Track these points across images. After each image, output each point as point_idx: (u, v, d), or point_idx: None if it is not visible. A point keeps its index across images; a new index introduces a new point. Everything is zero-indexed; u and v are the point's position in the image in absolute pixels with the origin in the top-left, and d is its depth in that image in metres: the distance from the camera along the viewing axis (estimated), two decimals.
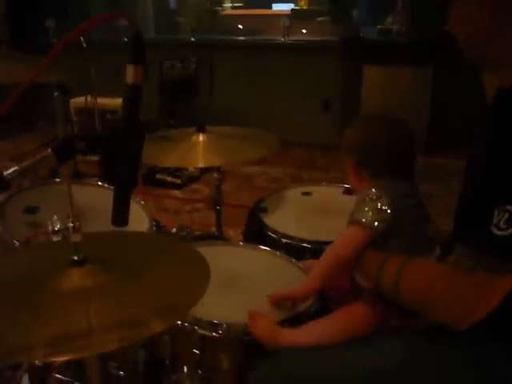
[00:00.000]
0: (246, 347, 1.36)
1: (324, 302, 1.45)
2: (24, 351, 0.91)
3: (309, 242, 1.73)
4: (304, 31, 5.30)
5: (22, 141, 4.10)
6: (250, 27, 5.62)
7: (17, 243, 1.51)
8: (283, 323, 1.34)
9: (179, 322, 1.34)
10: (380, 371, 1.17)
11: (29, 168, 0.89)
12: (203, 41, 5.57)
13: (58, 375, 1.48)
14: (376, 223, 1.30)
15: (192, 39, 5.66)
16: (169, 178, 4.24)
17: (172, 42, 5.64)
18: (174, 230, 2.14)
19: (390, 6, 4.88)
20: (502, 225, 0.99)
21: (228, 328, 1.32)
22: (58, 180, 1.91)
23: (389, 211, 1.30)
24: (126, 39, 5.31)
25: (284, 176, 4.56)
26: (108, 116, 4.46)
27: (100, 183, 1.96)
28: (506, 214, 0.99)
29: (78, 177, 3.11)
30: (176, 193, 4.20)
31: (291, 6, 5.62)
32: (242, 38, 5.51)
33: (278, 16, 5.37)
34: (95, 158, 1.00)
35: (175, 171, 4.24)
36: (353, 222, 1.34)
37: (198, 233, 2.31)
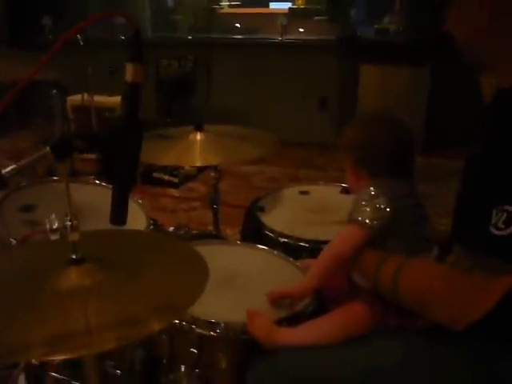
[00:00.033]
0: (244, 346, 1.36)
1: (321, 302, 1.45)
2: (22, 350, 0.90)
3: (306, 241, 1.73)
4: (301, 30, 5.30)
5: (19, 138, 4.10)
6: (247, 26, 5.61)
7: (14, 241, 1.51)
8: (281, 322, 1.34)
9: (177, 321, 1.34)
10: (378, 371, 1.17)
11: (27, 166, 0.89)
12: (200, 39, 5.57)
13: (54, 374, 1.48)
14: (374, 222, 1.30)
15: (189, 37, 5.65)
16: (166, 177, 4.24)
17: (169, 40, 5.63)
18: (172, 228, 2.14)
19: (388, 6, 4.88)
20: (500, 225, 0.99)
21: (226, 327, 1.32)
22: (55, 178, 1.90)
23: (387, 210, 1.30)
24: (123, 37, 5.31)
25: (281, 175, 4.56)
26: (105, 114, 4.45)
27: (97, 181, 1.96)
28: (505, 214, 0.99)
29: (74, 175, 3.10)
30: (173, 191, 4.20)
31: (288, 4, 5.61)
32: (239, 36, 5.51)
33: (276, 15, 5.37)
34: (92, 156, 0.99)
35: (172, 170, 4.24)
36: (351, 220, 1.34)
37: (195, 232, 2.31)
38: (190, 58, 5.17)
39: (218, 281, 1.50)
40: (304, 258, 1.67)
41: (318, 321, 1.34)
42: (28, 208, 1.70)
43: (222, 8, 6.05)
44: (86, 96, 4.02)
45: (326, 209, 1.99)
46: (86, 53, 3.70)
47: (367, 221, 1.30)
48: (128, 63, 0.95)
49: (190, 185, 4.30)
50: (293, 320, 1.36)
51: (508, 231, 0.98)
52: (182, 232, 2.16)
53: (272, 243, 1.75)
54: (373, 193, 1.33)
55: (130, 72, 0.96)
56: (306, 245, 1.73)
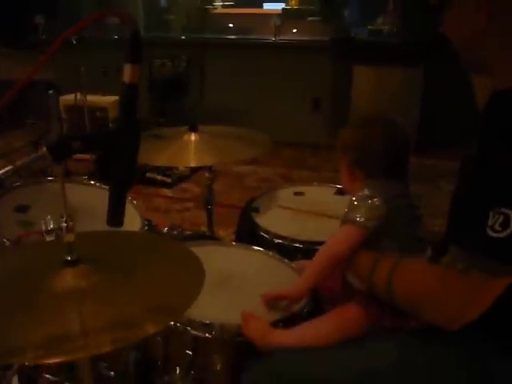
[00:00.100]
0: (239, 348, 1.35)
1: (317, 303, 1.45)
2: (16, 353, 0.90)
3: (301, 242, 1.73)
4: (295, 31, 5.30)
5: (12, 138, 4.08)
6: (240, 26, 5.61)
7: (7, 242, 1.50)
8: (276, 324, 1.34)
9: (172, 323, 1.33)
10: (373, 372, 1.16)
11: (23, 167, 0.88)
12: (194, 39, 5.56)
13: (48, 376, 1.47)
14: (370, 222, 1.30)
15: (182, 37, 5.64)
16: (159, 177, 4.23)
17: (162, 40, 5.61)
18: (166, 229, 2.13)
19: (381, 7, 4.89)
20: (497, 227, 0.99)
21: (221, 329, 1.32)
22: (49, 178, 1.89)
23: (382, 211, 1.31)
24: (117, 37, 5.29)
25: (274, 176, 4.56)
26: (97, 114, 4.44)
27: (92, 182, 1.95)
28: (502, 217, 0.99)
29: (67, 175, 3.09)
30: (166, 191, 4.19)
31: (282, 5, 5.61)
32: (232, 36, 5.50)
33: (269, 15, 5.36)
34: (85, 156, 0.99)
35: (165, 170, 4.23)
36: (346, 221, 1.34)
37: (189, 232, 2.30)
38: (184, 58, 5.16)
39: (213, 282, 1.50)
40: (299, 259, 1.67)
41: (313, 323, 1.34)
42: (22, 208, 1.69)
43: (216, 8, 6.04)
44: (78, 96, 4.00)
45: (320, 210, 1.98)
46: (79, 52, 3.69)
47: (363, 221, 1.30)
48: (126, 64, 0.95)
49: (184, 185, 4.29)
50: (288, 322, 1.36)
51: (505, 233, 0.98)
52: (176, 232, 2.15)
53: (267, 244, 1.75)
54: (368, 193, 1.34)
55: (127, 73, 0.96)
56: (301, 246, 1.73)
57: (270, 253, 1.68)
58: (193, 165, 2.24)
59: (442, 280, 1.13)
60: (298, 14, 5.49)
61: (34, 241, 1.44)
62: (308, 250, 1.67)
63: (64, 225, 1.01)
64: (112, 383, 1.49)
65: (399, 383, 1.16)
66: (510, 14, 1.10)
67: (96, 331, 0.94)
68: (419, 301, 1.16)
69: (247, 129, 2.20)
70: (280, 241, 1.76)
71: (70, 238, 1.03)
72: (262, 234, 1.81)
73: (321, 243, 1.42)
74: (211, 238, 2.21)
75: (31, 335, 0.91)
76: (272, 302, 1.41)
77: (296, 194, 2.15)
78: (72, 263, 1.05)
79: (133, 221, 1.73)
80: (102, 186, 1.88)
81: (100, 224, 1.11)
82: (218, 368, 1.37)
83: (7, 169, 0.87)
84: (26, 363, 1.30)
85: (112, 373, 1.48)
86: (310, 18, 5.36)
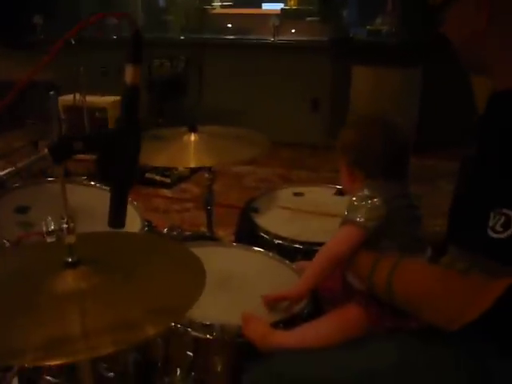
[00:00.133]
0: (240, 349, 1.35)
1: (317, 304, 1.45)
2: (16, 354, 0.89)
3: (300, 243, 1.73)
4: (293, 31, 5.29)
5: (12, 138, 4.07)
6: (239, 26, 5.60)
7: (7, 243, 1.49)
8: (277, 325, 1.34)
9: (172, 324, 1.33)
10: (374, 373, 1.16)
11: (24, 168, 0.88)
12: (192, 39, 5.55)
13: (48, 377, 1.46)
14: (370, 222, 1.30)
15: (181, 38, 5.63)
16: (158, 177, 4.22)
17: (161, 40, 5.60)
18: (166, 230, 2.13)
19: (380, 7, 4.88)
20: (498, 228, 1.00)
21: (221, 330, 1.32)
22: (49, 179, 1.89)
23: (382, 211, 1.31)
24: (115, 37, 5.29)
25: (273, 176, 4.56)
26: (97, 114, 4.44)
27: (91, 182, 1.94)
28: (503, 218, 0.99)
29: (67, 175, 3.08)
30: (165, 192, 4.18)
31: (281, 5, 5.60)
32: (231, 37, 5.50)
33: (268, 15, 5.36)
34: (84, 156, 0.98)
35: (164, 170, 4.23)
36: (347, 221, 1.34)
37: (188, 233, 2.30)
38: (182, 59, 5.16)
39: (214, 283, 1.50)
40: (299, 259, 1.66)
41: (314, 324, 1.34)
42: (22, 209, 1.69)
43: (214, 8, 6.03)
44: (77, 96, 4.00)
45: (320, 210, 1.98)
46: (79, 52, 3.68)
47: (363, 221, 1.30)
48: (128, 65, 0.95)
49: (183, 186, 4.28)
50: (289, 323, 1.36)
51: (506, 234, 0.98)
52: (176, 233, 2.15)
53: (266, 245, 1.75)
54: (368, 193, 1.34)
55: (129, 74, 0.95)
56: (301, 246, 1.72)
57: (271, 254, 1.68)
58: (192, 165, 2.24)
59: (441, 280, 1.13)
60: (297, 14, 5.48)
61: (34, 242, 1.44)
62: (308, 250, 1.67)
63: (65, 226, 1.01)
64: None
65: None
66: (510, 14, 1.10)
67: (97, 333, 0.93)
68: (419, 301, 1.16)
69: (246, 129, 2.20)
70: (280, 241, 1.75)
71: (70, 239, 1.03)
72: (262, 234, 1.80)
73: (321, 244, 1.42)
74: (211, 238, 2.21)
75: (31, 337, 0.91)
76: (272, 303, 1.41)
77: (295, 194, 2.15)
78: (72, 265, 1.05)
79: (133, 222, 1.72)
80: (102, 186, 1.88)
81: (100, 225, 1.11)
82: (219, 369, 1.37)
83: (8, 170, 0.87)
84: (26, 365, 1.30)
85: (112, 374, 1.48)
86: (308, 19, 5.36)
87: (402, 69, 4.63)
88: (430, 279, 1.16)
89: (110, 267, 1.11)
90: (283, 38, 5.20)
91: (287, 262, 1.63)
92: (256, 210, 1.96)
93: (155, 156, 1.94)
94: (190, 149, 2.01)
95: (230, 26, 5.64)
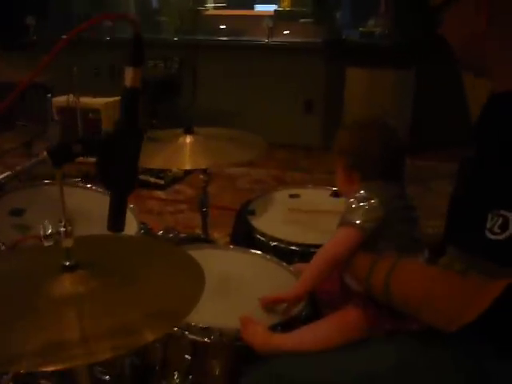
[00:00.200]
0: (238, 352, 1.35)
1: (315, 306, 1.45)
2: (14, 360, 0.88)
3: (297, 245, 1.72)
4: (287, 32, 5.29)
5: (2, 140, 4.04)
6: (232, 28, 5.59)
7: (3, 246, 1.48)
8: (275, 328, 1.34)
9: None
10: (373, 376, 1.16)
11: (23, 172, 0.87)
12: (186, 41, 5.54)
13: (44, 381, 1.45)
14: (367, 224, 1.30)
15: (175, 39, 5.62)
16: (152, 179, 4.21)
17: (155, 41, 5.59)
18: (161, 232, 2.12)
19: (373, 9, 4.90)
20: (495, 229, 1.00)
21: (220, 333, 1.31)
22: (45, 181, 1.87)
23: (380, 212, 1.31)
24: (109, 38, 5.27)
25: (267, 177, 4.56)
26: (90, 115, 4.42)
27: (88, 185, 1.93)
28: (500, 219, 0.99)
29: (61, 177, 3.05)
30: (159, 194, 4.17)
31: (274, 6, 5.60)
32: (224, 38, 5.49)
33: (261, 17, 5.35)
34: (79, 158, 0.97)
35: (158, 172, 4.21)
36: (344, 223, 1.34)
37: (183, 235, 2.29)
38: (176, 60, 5.15)
39: (211, 286, 1.48)
40: (296, 262, 1.66)
41: (312, 326, 1.34)
42: (17, 212, 1.67)
43: (208, 9, 6.02)
44: (71, 97, 3.98)
45: (316, 212, 1.98)
46: (71, 53, 3.66)
47: (361, 223, 1.30)
48: (128, 67, 0.94)
49: (177, 187, 4.27)
50: (287, 325, 1.35)
51: (503, 236, 0.99)
52: (171, 235, 2.14)
53: (263, 247, 1.75)
54: (366, 195, 1.34)
55: (129, 76, 0.95)
56: (297, 248, 1.72)
57: (268, 256, 1.67)
58: (188, 167, 2.23)
59: (439, 281, 1.13)
60: (290, 15, 5.48)
61: (31, 245, 1.43)
62: (304, 252, 1.67)
63: (62, 230, 1.00)
64: None
65: None
66: (510, 15, 1.10)
67: (95, 338, 0.92)
68: (417, 302, 1.15)
69: (240, 130, 2.19)
70: (276, 243, 1.75)
71: (68, 243, 1.02)
72: (258, 236, 1.80)
73: (318, 246, 1.42)
74: (206, 240, 2.20)
75: (29, 342, 0.90)
76: (270, 306, 1.41)
77: (291, 196, 2.15)
78: (70, 268, 1.04)
79: (129, 224, 1.70)
80: (98, 189, 1.87)
81: (96, 227, 1.10)
82: (217, 372, 1.36)
83: (7, 174, 0.86)
84: (23, 371, 1.28)
85: (108, 377, 1.47)
86: (302, 20, 5.36)
87: (395, 70, 4.66)
88: (428, 280, 1.16)
89: (107, 271, 1.10)
90: (277, 39, 5.20)
91: (284, 264, 1.63)
92: (252, 212, 1.95)
93: (151, 158, 1.93)
94: (186, 150, 2.00)
95: (223, 27, 5.63)
